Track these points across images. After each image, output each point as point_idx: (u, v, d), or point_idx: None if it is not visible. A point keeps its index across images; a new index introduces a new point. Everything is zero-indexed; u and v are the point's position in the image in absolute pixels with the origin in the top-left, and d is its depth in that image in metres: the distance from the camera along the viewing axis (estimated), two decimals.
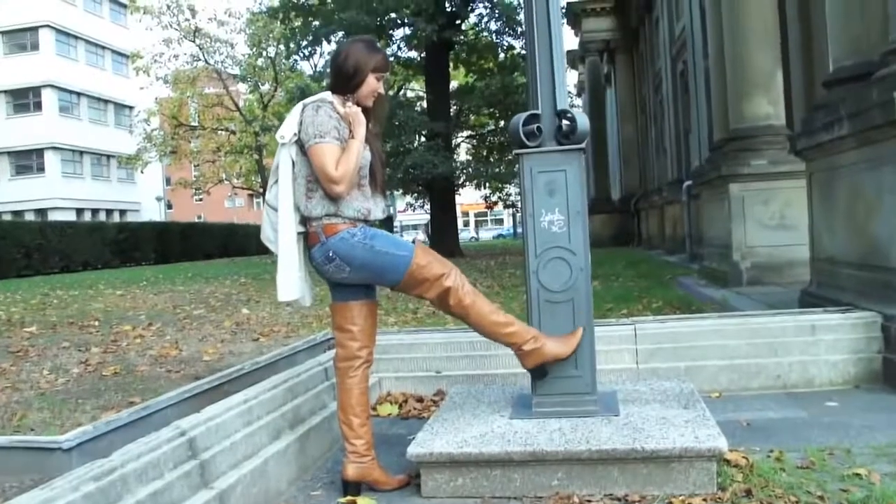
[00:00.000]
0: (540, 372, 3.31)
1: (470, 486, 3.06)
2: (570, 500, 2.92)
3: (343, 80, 3.15)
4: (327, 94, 3.16)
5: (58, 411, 4.44)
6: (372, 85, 3.18)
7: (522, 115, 3.38)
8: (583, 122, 3.31)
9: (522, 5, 3.53)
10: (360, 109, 3.14)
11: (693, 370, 4.52)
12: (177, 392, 3.52)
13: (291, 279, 3.13)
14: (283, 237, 3.11)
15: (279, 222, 3.12)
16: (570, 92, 25.68)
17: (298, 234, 3.15)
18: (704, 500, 2.84)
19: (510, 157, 25.75)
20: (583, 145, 3.36)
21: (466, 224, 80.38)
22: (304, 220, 3.14)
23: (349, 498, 3.10)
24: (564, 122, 3.33)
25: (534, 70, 3.39)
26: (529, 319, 3.40)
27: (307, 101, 3.16)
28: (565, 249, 3.34)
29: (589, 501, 2.91)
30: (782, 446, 3.40)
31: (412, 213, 53.82)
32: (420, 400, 4.70)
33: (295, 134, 3.09)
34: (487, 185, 25.86)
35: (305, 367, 3.99)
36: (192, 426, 2.77)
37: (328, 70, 3.31)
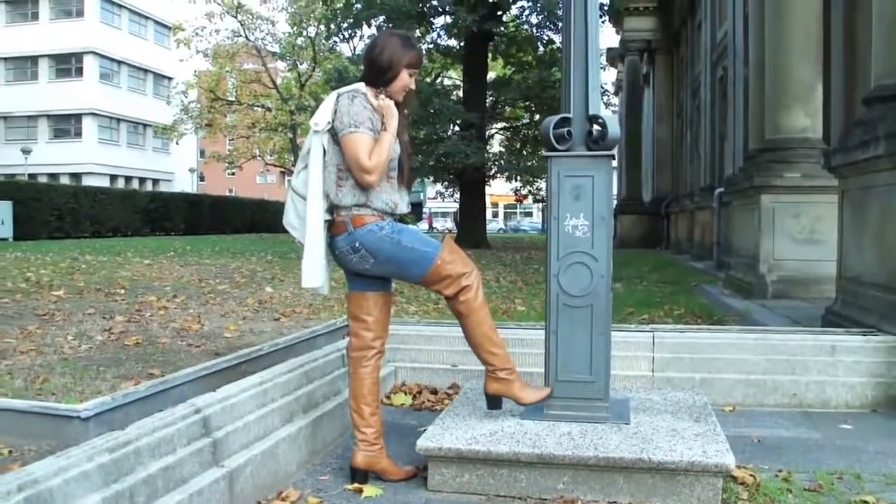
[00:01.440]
0: (495, 402, 3.34)
1: (476, 482, 3.09)
2: None
3: (376, 73, 3.18)
4: (361, 85, 3.19)
5: (79, 377, 4.51)
6: (404, 80, 3.20)
7: (554, 118, 3.39)
8: (614, 128, 3.31)
9: (561, 10, 3.51)
10: (392, 102, 3.17)
11: (708, 382, 4.51)
12: (194, 369, 3.58)
13: (317, 266, 3.16)
14: (311, 224, 3.14)
15: (308, 209, 3.15)
16: (607, 90, 25.54)
17: (325, 221, 3.18)
18: None
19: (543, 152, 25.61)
20: (612, 152, 3.36)
21: (495, 215, 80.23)
22: (332, 209, 3.17)
23: (356, 485, 3.14)
24: (595, 127, 3.33)
25: (568, 74, 3.39)
26: (548, 322, 3.42)
27: (341, 90, 3.18)
28: (587, 255, 3.35)
29: None
30: (791, 466, 3.39)
31: (441, 201, 53.80)
32: (434, 392, 4.73)
33: (329, 122, 3.12)
34: (518, 178, 25.79)
35: (323, 353, 4.03)
36: (207, 405, 2.82)
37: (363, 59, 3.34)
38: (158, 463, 2.46)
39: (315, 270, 3.17)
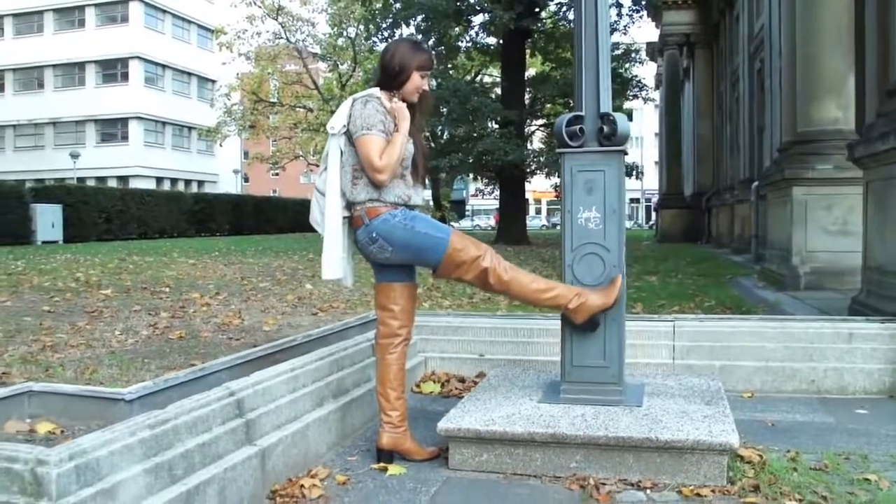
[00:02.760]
0: (592, 324, 3.48)
1: (494, 461, 3.27)
2: (587, 482, 3.10)
3: (389, 77, 3.39)
4: (375, 90, 3.41)
5: (125, 368, 4.79)
6: (416, 82, 3.40)
7: (566, 116, 3.56)
8: (623, 125, 3.47)
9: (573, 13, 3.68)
10: (405, 105, 3.37)
11: (728, 369, 4.64)
12: (230, 357, 3.81)
13: (335, 259, 3.37)
14: (330, 220, 3.36)
15: (327, 205, 3.37)
16: (646, 85, 25.40)
17: (344, 218, 3.39)
18: (713, 491, 3.00)
19: None
20: (623, 147, 3.52)
21: (538, 211, 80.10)
22: (350, 205, 3.38)
23: (382, 464, 3.34)
24: (606, 124, 3.49)
25: (580, 74, 3.55)
26: None
27: (356, 95, 3.40)
28: (600, 246, 3.51)
29: (604, 484, 3.09)
30: (801, 448, 3.52)
31: (482, 199, 53.91)
32: (462, 380, 4.92)
33: (344, 125, 3.33)
34: (558, 174, 25.73)
35: (353, 342, 4.22)
36: (241, 388, 3.03)
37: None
38: (195, 440, 2.67)
39: (334, 263, 3.36)
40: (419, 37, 24.44)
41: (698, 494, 2.97)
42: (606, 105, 3.52)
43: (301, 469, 3.22)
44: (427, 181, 3.69)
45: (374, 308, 3.60)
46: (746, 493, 2.97)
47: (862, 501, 2.88)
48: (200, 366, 3.64)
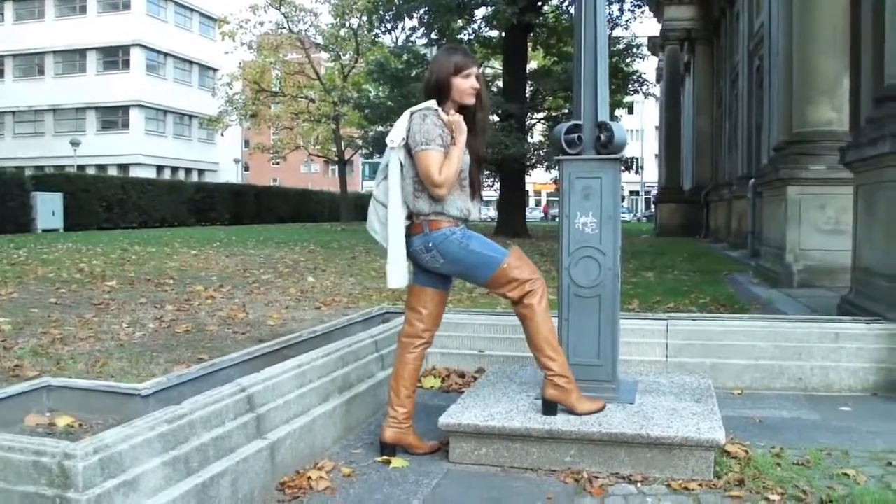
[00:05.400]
0: (550, 408, 3.51)
1: (492, 455, 3.43)
2: (580, 476, 3.26)
3: (435, 92, 3.49)
4: (432, 103, 3.48)
5: (134, 361, 4.94)
6: (461, 86, 3.47)
7: (565, 125, 3.72)
8: (620, 134, 3.62)
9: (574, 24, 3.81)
10: (461, 118, 3.45)
11: (718, 367, 4.80)
12: (239, 354, 3.96)
13: (401, 268, 3.49)
14: (393, 231, 3.46)
15: (389, 217, 3.48)
16: (647, 80, 25.53)
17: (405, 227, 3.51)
18: (700, 485, 3.16)
19: None
20: (619, 156, 3.67)
21: (538, 203, 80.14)
22: (411, 215, 3.51)
23: (385, 457, 3.50)
24: (604, 133, 3.64)
25: (579, 84, 3.70)
26: (560, 311, 3.74)
27: (414, 108, 3.48)
28: (596, 250, 3.67)
29: (596, 478, 3.25)
30: (786, 443, 3.68)
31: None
32: (462, 376, 5.07)
33: (403, 139, 3.45)
34: (558, 167, 25.82)
35: (357, 339, 4.38)
36: (252, 384, 3.18)
37: (426, 71, 3.63)
38: (210, 434, 2.82)
39: (399, 272, 3.48)
40: (421, 29, 24.59)
41: (686, 488, 3.12)
42: (604, 114, 3.67)
43: (308, 461, 3.38)
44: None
45: (405, 306, 3.72)
46: (732, 487, 3.12)
47: (839, 495, 3.03)
48: (210, 362, 3.80)
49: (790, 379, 4.77)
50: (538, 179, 48.36)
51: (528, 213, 30.71)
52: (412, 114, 3.47)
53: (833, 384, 4.73)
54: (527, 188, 29.82)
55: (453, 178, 3.39)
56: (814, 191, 8.78)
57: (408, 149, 3.45)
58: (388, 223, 3.48)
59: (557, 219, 3.86)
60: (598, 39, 3.68)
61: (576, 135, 3.69)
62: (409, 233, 3.51)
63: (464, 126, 3.45)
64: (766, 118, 15.90)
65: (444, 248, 3.43)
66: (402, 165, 3.48)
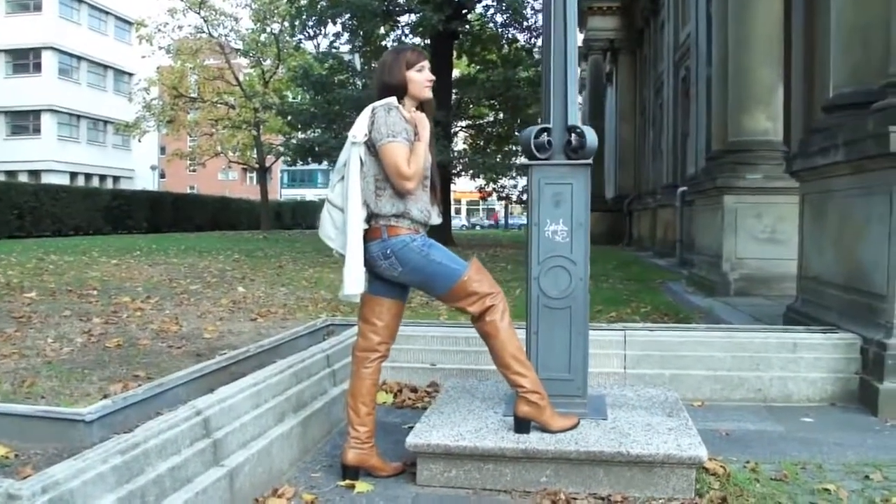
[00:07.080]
0: (523, 425, 3.35)
1: (463, 477, 3.24)
2: (557, 497, 3.10)
3: (393, 90, 3.33)
4: (393, 100, 3.32)
5: (65, 380, 4.60)
6: (416, 79, 3.36)
7: (534, 128, 3.56)
8: (591, 138, 3.48)
9: (542, 31, 3.68)
10: (424, 115, 3.35)
11: (678, 378, 4.71)
12: (187, 371, 3.70)
13: (359, 273, 3.25)
14: (352, 234, 3.24)
15: (348, 218, 3.25)
16: None
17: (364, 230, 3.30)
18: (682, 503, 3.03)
19: (507, 150, 25.85)
20: (590, 161, 3.53)
21: (458, 212, 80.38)
22: (370, 218, 3.30)
23: (348, 481, 3.28)
24: (574, 137, 3.50)
25: (548, 86, 3.56)
26: (528, 323, 3.59)
27: (376, 104, 3.30)
28: (566, 259, 3.52)
29: (574, 499, 3.09)
30: (758, 458, 3.59)
31: None
32: (414, 390, 4.88)
33: (366, 134, 3.25)
34: (482, 175, 25.93)
35: (309, 353, 4.14)
36: (208, 406, 2.93)
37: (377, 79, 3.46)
38: (166, 463, 2.57)
39: (357, 278, 3.24)
40: (345, 35, 24.31)
41: None
42: (574, 118, 3.53)
43: (266, 488, 3.14)
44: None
45: (358, 319, 3.51)
46: None
47: None
48: (157, 381, 3.52)
49: (749, 390, 4.71)
50: (462, 188, 48.43)
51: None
52: (374, 109, 3.29)
53: (792, 395, 4.68)
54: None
55: (421, 172, 3.25)
56: (750, 200, 8.84)
57: (369, 146, 3.27)
58: (347, 224, 3.27)
59: (523, 227, 3.72)
60: (567, 41, 3.55)
61: (545, 139, 3.54)
62: (367, 238, 3.31)
63: (426, 122, 3.34)
64: (694, 127, 16.12)
65: (403, 256, 3.25)
66: (362, 163, 3.29)
